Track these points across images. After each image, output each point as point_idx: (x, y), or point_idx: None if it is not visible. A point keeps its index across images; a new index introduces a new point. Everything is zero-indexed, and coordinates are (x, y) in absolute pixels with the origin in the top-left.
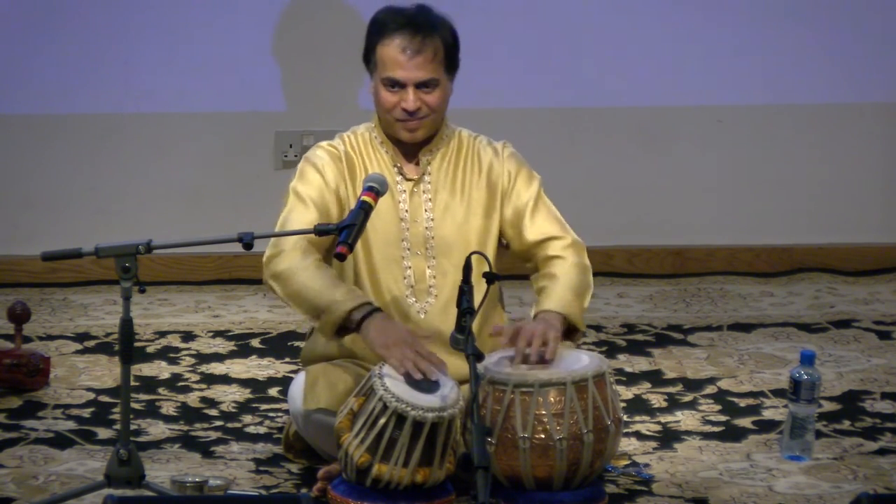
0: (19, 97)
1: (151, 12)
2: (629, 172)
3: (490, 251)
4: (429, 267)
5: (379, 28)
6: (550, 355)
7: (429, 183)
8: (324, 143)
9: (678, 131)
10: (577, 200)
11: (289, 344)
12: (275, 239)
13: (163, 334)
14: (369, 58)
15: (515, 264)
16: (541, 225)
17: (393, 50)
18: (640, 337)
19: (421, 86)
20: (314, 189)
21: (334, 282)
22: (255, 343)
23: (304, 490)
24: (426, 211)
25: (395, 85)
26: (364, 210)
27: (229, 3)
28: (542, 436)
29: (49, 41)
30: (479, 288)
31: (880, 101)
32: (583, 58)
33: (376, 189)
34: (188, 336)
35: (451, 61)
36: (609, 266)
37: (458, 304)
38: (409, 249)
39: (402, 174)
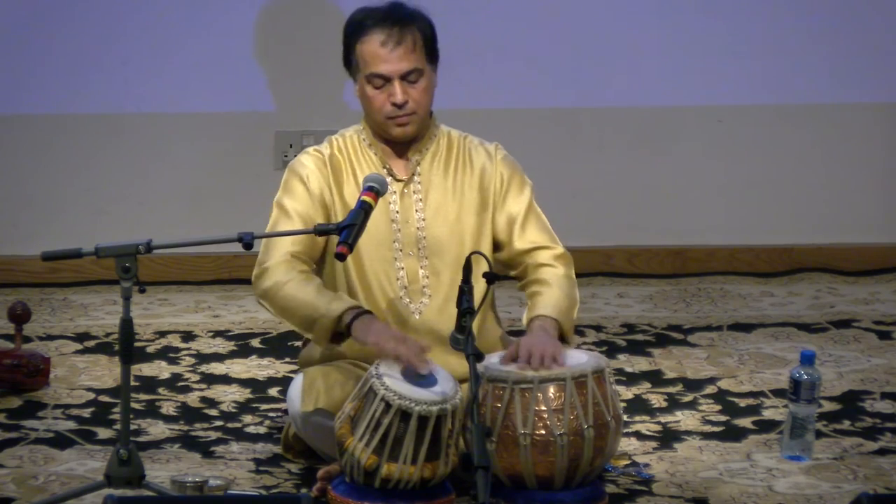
0: (19, 97)
1: (150, 12)
2: (629, 173)
3: (485, 250)
4: (421, 267)
5: (355, 28)
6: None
7: (419, 183)
8: (309, 149)
9: (679, 131)
10: (578, 200)
11: (289, 344)
12: (259, 257)
13: (163, 334)
14: (350, 59)
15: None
16: (531, 234)
17: (373, 45)
18: (640, 337)
19: (406, 77)
20: (298, 201)
21: (321, 291)
22: (255, 343)
23: (304, 490)
24: (417, 211)
25: (381, 80)
26: (364, 210)
27: (229, 4)
28: (543, 432)
29: (49, 41)
30: (478, 288)
31: (880, 101)
32: (583, 58)
33: (376, 189)
34: (188, 336)
35: (431, 51)
36: (609, 266)
37: (458, 304)
38: (401, 250)
39: (391, 175)
